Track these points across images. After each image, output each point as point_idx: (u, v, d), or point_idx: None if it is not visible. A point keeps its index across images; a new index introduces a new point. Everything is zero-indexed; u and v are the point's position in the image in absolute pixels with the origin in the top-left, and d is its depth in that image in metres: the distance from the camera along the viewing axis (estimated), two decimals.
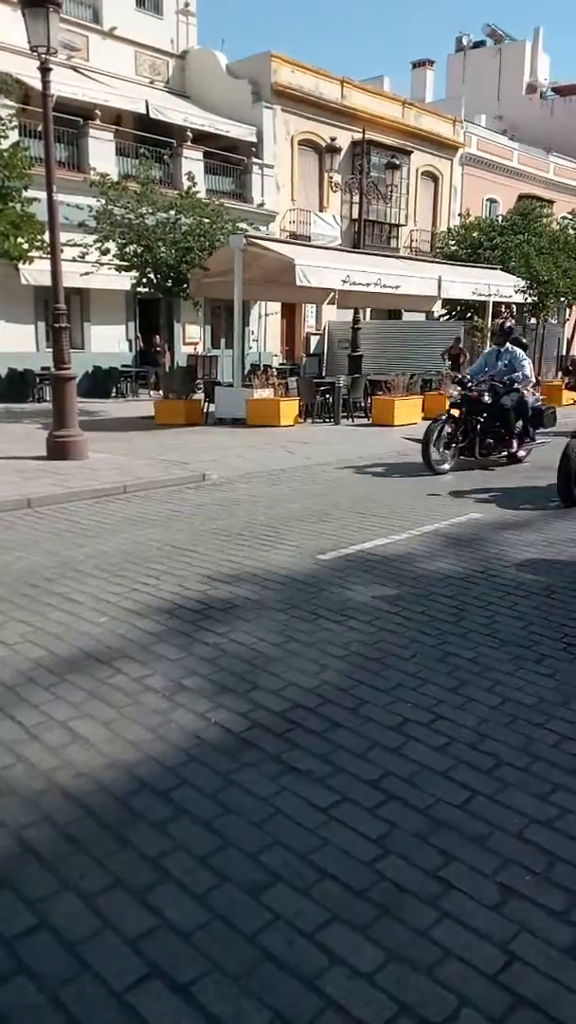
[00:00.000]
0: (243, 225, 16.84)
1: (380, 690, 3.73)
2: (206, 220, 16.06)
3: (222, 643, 4.26)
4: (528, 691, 3.75)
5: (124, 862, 2.50)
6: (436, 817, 2.76)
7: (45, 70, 9.67)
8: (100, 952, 2.15)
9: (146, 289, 17.40)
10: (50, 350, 12.63)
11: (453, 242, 25.57)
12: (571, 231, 26.06)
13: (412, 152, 29.57)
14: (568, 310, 27.80)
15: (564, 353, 28.09)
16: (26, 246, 15.74)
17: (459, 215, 29.65)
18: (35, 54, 9.74)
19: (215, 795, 2.86)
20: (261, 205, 24.63)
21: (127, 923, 2.24)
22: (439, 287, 18.05)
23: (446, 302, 22.05)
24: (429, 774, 3.02)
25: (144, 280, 16.53)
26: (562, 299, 23.57)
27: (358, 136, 24.27)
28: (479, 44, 46.62)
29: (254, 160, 24.97)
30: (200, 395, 17.04)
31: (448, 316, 24.30)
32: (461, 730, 3.36)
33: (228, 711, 3.49)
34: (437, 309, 23.41)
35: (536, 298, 21.57)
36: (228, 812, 2.76)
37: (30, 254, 15.96)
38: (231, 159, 24.66)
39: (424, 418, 15.57)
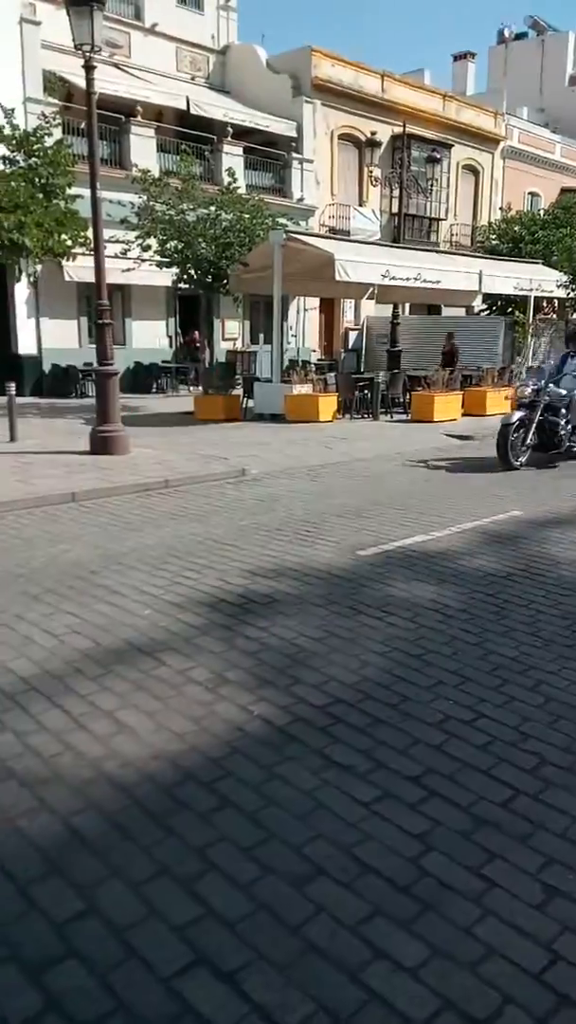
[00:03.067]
0: (282, 220, 16.85)
1: (421, 687, 3.73)
2: (246, 216, 16.10)
3: (263, 637, 4.29)
4: (572, 691, 3.72)
5: (170, 851, 2.54)
6: (478, 815, 2.76)
7: (89, 68, 9.77)
8: (147, 938, 2.19)
9: (186, 285, 17.50)
10: (92, 346, 12.81)
11: (494, 236, 25.28)
12: None
13: (453, 146, 29.28)
14: None
15: None
16: (69, 243, 15.95)
17: (500, 209, 29.28)
18: (79, 52, 9.85)
19: (258, 787, 2.89)
20: (300, 200, 24.61)
21: (174, 911, 2.29)
22: (480, 282, 17.88)
23: (486, 297, 21.81)
24: (471, 772, 3.02)
25: (184, 276, 16.63)
26: None
27: (398, 130, 24.11)
28: (521, 36, 45.92)
29: (294, 155, 24.94)
30: (239, 391, 17.12)
31: (488, 311, 24.04)
32: (503, 729, 3.35)
33: (270, 704, 3.52)
34: (477, 304, 23.18)
35: None
36: (271, 804, 2.79)
37: (73, 251, 16.17)
38: (271, 154, 24.67)
39: (464, 414, 15.47)
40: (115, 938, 2.19)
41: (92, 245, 10.97)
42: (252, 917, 2.27)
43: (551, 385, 10.08)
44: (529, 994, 2.03)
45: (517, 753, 3.16)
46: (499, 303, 23.32)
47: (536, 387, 10.02)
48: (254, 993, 2.02)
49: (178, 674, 3.81)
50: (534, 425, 9.92)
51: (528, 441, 9.94)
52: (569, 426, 10.26)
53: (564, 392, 10.20)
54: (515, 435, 9.79)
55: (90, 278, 11.46)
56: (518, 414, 9.87)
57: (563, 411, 10.12)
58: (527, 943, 2.20)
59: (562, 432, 10.13)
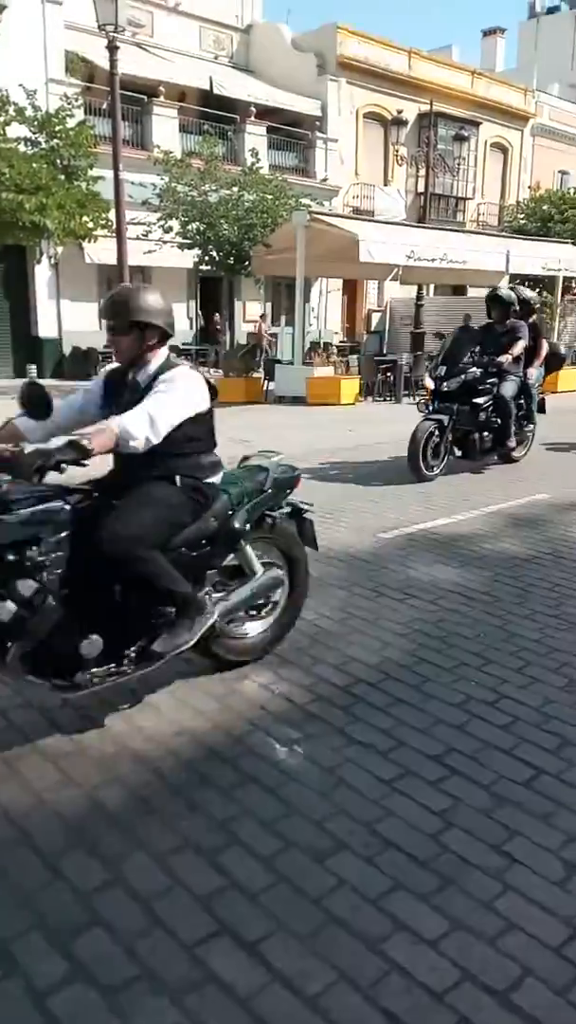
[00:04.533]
0: (306, 201, 16.72)
1: (443, 668, 3.74)
2: (269, 196, 16.00)
3: None
4: None
5: (194, 825, 2.58)
6: (500, 793, 2.77)
7: (112, 48, 9.76)
8: (172, 909, 2.23)
9: (208, 267, 17.45)
10: None
11: (522, 215, 24.92)
12: None
13: (481, 123, 28.82)
14: None
15: None
16: (91, 224, 15.95)
17: (529, 187, 28.87)
18: (102, 32, 9.82)
19: (280, 764, 2.92)
20: (324, 180, 24.40)
21: (197, 882, 2.32)
22: (507, 262, 17.65)
23: (513, 277, 21.55)
24: (493, 751, 3.03)
25: (207, 258, 16.58)
26: None
27: (425, 108, 23.75)
28: (553, 10, 45.00)
29: (318, 134, 24.70)
30: (260, 373, 17.09)
31: None
32: (526, 710, 3.35)
33: (291, 684, 3.54)
34: (504, 285, 22.90)
35: None
36: (293, 780, 2.82)
37: (95, 232, 16.17)
38: (295, 134, 24.44)
39: None
40: (140, 907, 2.24)
41: (114, 227, 10.95)
42: (274, 888, 2.30)
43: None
44: (548, 966, 2.05)
45: (539, 733, 3.17)
46: (527, 283, 23.03)
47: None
48: (276, 962, 2.06)
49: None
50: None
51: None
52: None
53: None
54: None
55: (110, 260, 11.47)
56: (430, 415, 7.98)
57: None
58: (547, 917, 2.21)
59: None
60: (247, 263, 16.49)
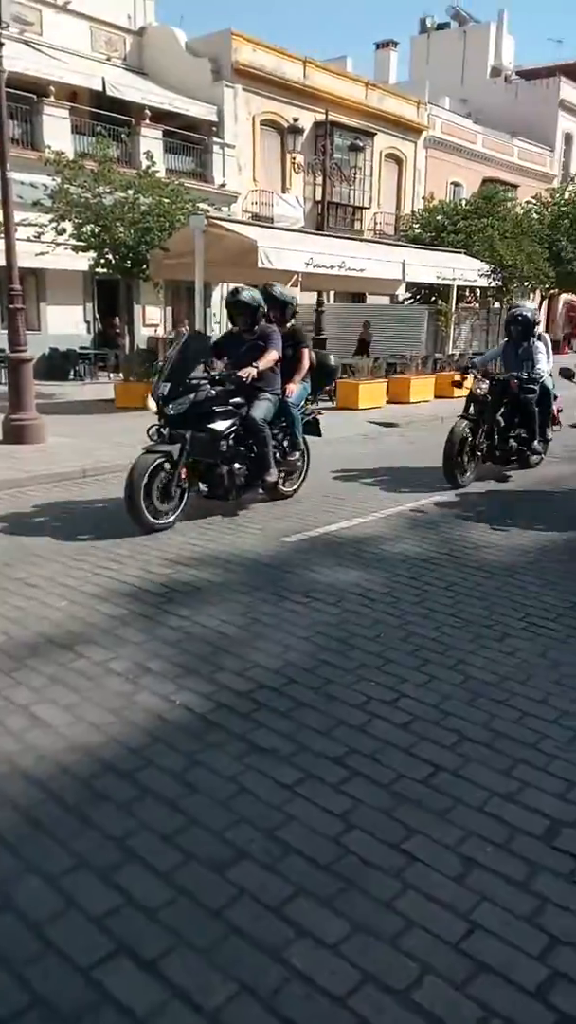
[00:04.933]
0: (204, 205, 16.64)
1: (344, 670, 3.76)
2: (166, 200, 15.83)
3: (186, 626, 4.25)
4: (490, 669, 3.81)
5: (89, 843, 2.49)
6: (400, 792, 2.79)
7: None
8: (66, 931, 2.14)
9: (104, 270, 17.13)
10: (4, 331, 12.40)
11: (417, 225, 25.56)
12: (535, 215, 26.23)
13: (376, 134, 29.45)
14: (532, 295, 28.01)
15: None
16: None
17: (423, 198, 29.63)
18: None
19: (180, 775, 2.86)
20: (223, 186, 24.38)
21: (93, 902, 2.24)
22: (403, 270, 18.05)
23: (410, 285, 22.09)
24: (393, 751, 3.06)
25: (102, 261, 16.27)
26: (526, 284, 23.70)
27: (321, 117, 24.06)
28: (443, 26, 46.47)
29: (215, 140, 24.66)
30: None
31: (412, 300, 24.34)
32: (424, 708, 3.40)
33: (193, 693, 3.49)
34: (401, 292, 23.45)
35: (500, 282, 21.69)
36: (193, 792, 2.77)
37: None
38: (191, 138, 24.33)
39: (389, 402, 15.63)
40: (31, 933, 2.14)
41: (2, 228, 10.59)
42: (173, 904, 2.25)
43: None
44: (447, 962, 2.07)
45: (438, 730, 3.22)
46: (422, 292, 23.64)
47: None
48: (175, 978, 2.01)
49: (97, 666, 3.74)
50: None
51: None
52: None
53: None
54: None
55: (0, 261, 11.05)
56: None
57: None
58: (446, 914, 2.24)
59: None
60: (145, 267, 16.26)
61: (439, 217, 24.95)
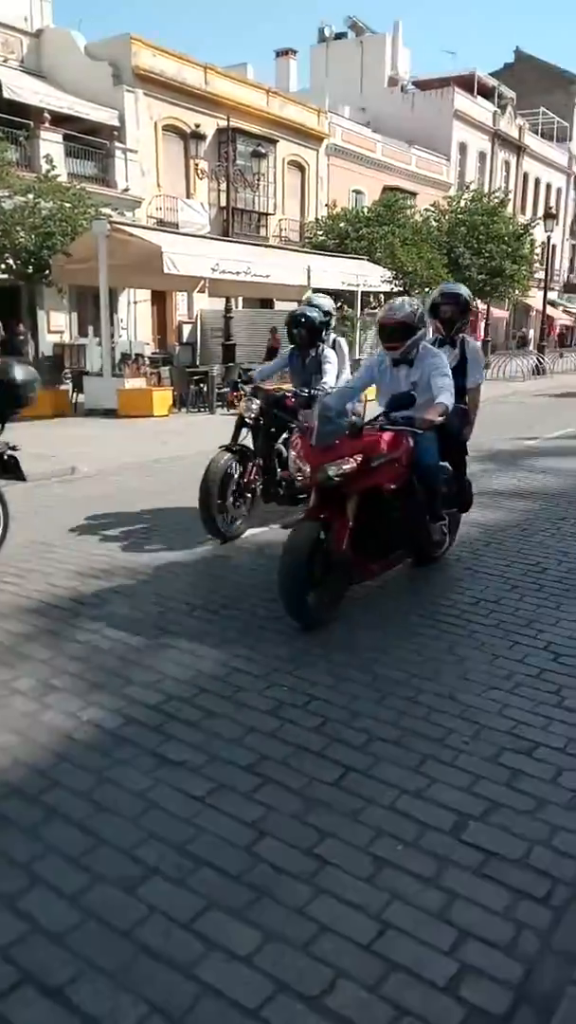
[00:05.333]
0: (107, 210, 16.41)
1: (256, 676, 3.75)
2: (67, 204, 15.55)
3: (94, 640, 4.15)
4: (400, 667, 3.86)
5: None
6: (311, 796, 2.80)
7: None
8: None
9: (5, 276, 16.67)
10: None
11: (321, 232, 25.87)
12: (433, 223, 26.91)
13: (278, 141, 29.64)
14: None
15: None
16: None
17: (326, 205, 30.01)
18: None
19: (88, 794, 2.79)
20: (126, 191, 24.06)
21: None
22: (308, 276, 18.24)
23: (316, 292, 22.32)
24: (304, 754, 3.06)
25: (3, 266, 15.84)
26: (426, 289, 24.27)
27: (223, 123, 24.10)
28: (341, 35, 47.19)
29: (117, 144, 24.31)
30: (68, 385, 16.55)
31: None
32: (335, 709, 3.42)
33: (101, 708, 3.41)
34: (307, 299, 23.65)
35: (401, 288, 22.16)
36: (102, 810, 2.70)
37: None
38: (93, 143, 23.92)
39: None
40: None
41: None
42: (80, 927, 2.19)
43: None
44: (360, 965, 2.08)
45: (348, 731, 3.24)
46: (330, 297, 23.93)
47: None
48: (83, 1004, 1.95)
49: None
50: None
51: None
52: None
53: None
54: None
55: None
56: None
57: None
58: (358, 916, 2.25)
59: None
60: (47, 272, 15.92)
61: (342, 224, 25.32)
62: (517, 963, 2.09)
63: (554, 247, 43.21)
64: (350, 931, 2.19)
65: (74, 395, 15.71)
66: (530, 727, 3.30)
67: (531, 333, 40.89)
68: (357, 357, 20.36)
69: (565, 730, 3.28)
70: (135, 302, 24.41)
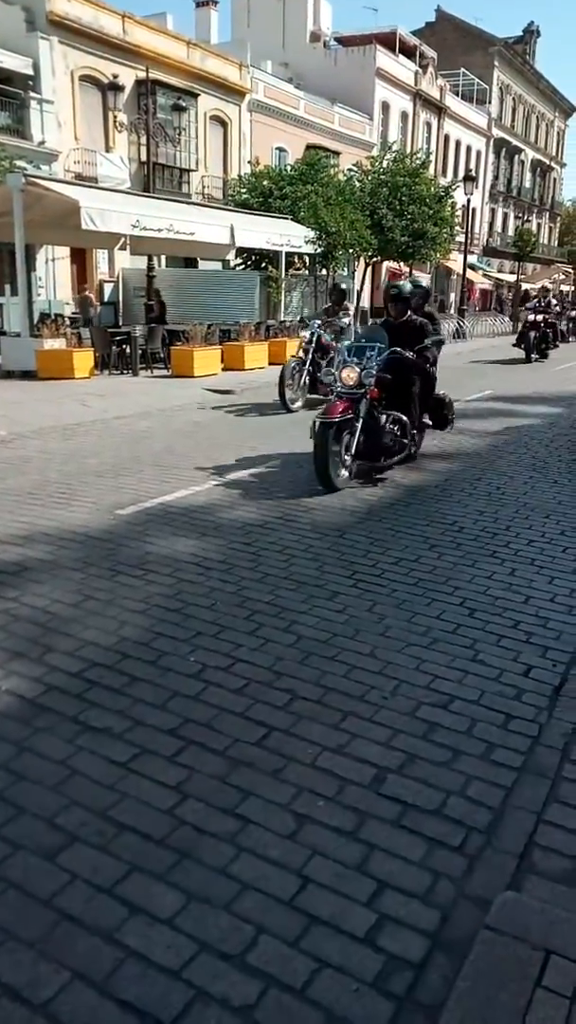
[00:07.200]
0: (22, 163, 15.77)
1: (180, 640, 3.73)
2: None
3: (13, 608, 4.06)
4: (321, 627, 3.90)
5: None
6: (234, 757, 2.82)
7: None
8: None
9: None
10: None
11: (244, 190, 25.41)
12: (356, 183, 26.70)
13: (199, 95, 28.84)
14: (356, 262, 28.64)
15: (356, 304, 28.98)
16: None
17: (249, 162, 29.45)
18: None
19: (7, 764, 2.74)
20: (42, 143, 23.10)
21: None
22: (232, 235, 17.93)
23: (240, 251, 21.97)
24: (228, 716, 3.08)
25: None
26: (350, 251, 24.21)
27: (142, 75, 23.27)
28: None
29: (31, 95, 23.24)
30: None
31: (243, 266, 24.25)
32: (258, 670, 3.44)
33: (21, 677, 3.34)
34: (231, 258, 23.28)
35: (324, 249, 22.01)
36: (22, 780, 2.66)
37: None
38: (6, 92, 22.80)
39: (224, 369, 15.57)
40: None
41: None
42: None
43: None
44: (281, 921, 2.12)
45: (271, 692, 3.27)
46: (253, 258, 23.60)
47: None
48: (3, 975, 1.93)
49: None
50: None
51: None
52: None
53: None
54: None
55: None
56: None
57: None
58: (279, 873, 2.29)
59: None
60: None
61: (265, 182, 24.90)
62: (433, 910, 2.16)
63: (474, 210, 43.57)
64: (272, 888, 2.23)
65: None
66: (446, 681, 3.39)
67: (452, 297, 41.31)
68: (282, 318, 20.27)
69: (479, 683, 3.38)
70: (54, 259, 23.61)
